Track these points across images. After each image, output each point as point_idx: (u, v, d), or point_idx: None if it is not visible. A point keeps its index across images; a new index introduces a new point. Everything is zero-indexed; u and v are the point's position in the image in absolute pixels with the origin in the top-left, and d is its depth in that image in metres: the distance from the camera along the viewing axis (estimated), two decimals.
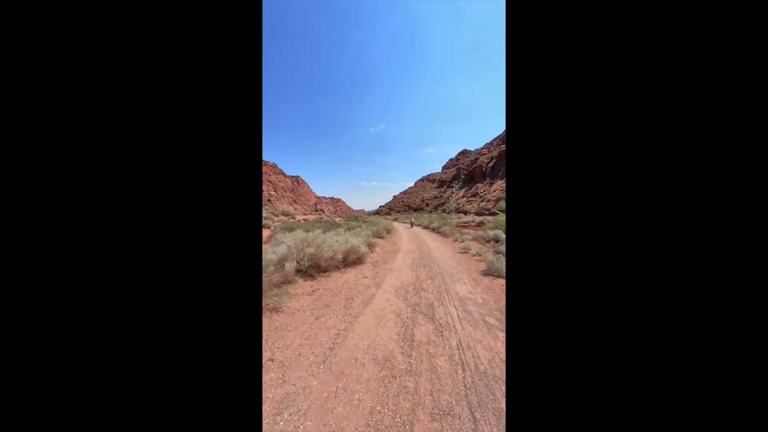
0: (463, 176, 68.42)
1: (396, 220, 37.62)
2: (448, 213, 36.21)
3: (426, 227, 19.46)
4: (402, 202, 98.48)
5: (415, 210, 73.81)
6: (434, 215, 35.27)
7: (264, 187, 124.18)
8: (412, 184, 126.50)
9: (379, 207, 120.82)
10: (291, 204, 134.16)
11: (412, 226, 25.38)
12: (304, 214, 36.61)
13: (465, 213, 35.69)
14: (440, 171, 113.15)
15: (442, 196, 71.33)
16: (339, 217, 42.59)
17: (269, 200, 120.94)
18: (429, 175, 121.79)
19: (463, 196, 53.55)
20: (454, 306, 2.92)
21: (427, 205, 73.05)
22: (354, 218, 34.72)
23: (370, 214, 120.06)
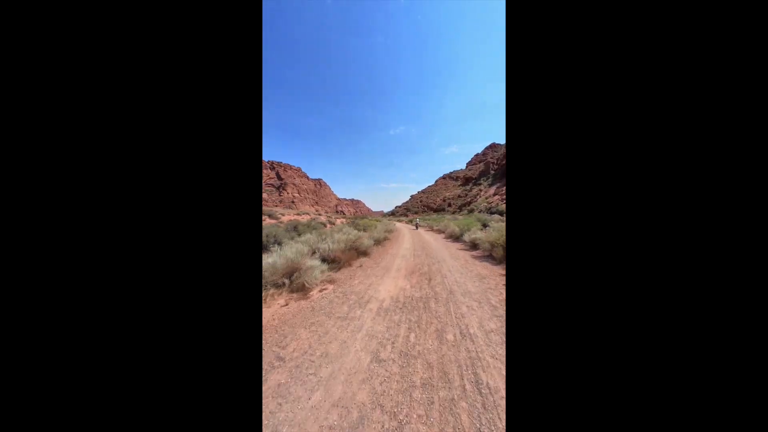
0: (493, 171, 57.18)
1: (411, 221, 29.50)
2: (480, 213, 26.94)
3: (454, 238, 9.91)
4: (420, 201, 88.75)
5: (435, 211, 64.11)
6: (460, 216, 26.44)
7: (288, 190, 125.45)
8: (432, 184, 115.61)
9: (395, 207, 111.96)
10: (312, 205, 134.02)
11: (417, 227, 19.27)
12: (298, 214, 30.50)
13: (501, 214, 26.25)
14: (464, 168, 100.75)
15: (467, 194, 60.67)
16: (343, 218, 35.81)
17: (293, 201, 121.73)
18: (452, 173, 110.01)
19: (495, 194, 42.87)
20: None
21: (450, 205, 62.93)
22: (356, 219, 27.88)
23: (386, 215, 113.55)
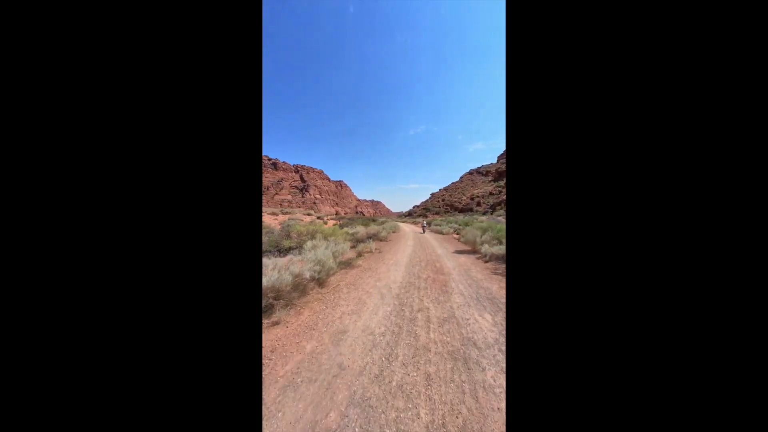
0: None
1: (431, 223, 19.94)
2: None
3: None
4: (442, 200, 76.60)
5: (460, 211, 52.47)
6: (502, 219, 16.15)
7: (311, 192, 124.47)
8: (456, 180, 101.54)
9: (413, 207, 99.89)
10: (333, 206, 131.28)
11: (424, 230, 13.02)
12: (273, 213, 23.24)
13: None
14: (495, 162, 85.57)
15: (501, 191, 47.98)
16: (335, 218, 27.71)
17: (315, 203, 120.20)
18: (480, 168, 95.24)
19: None
20: None
21: (479, 204, 50.77)
22: (350, 221, 19.64)
23: (403, 215, 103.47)
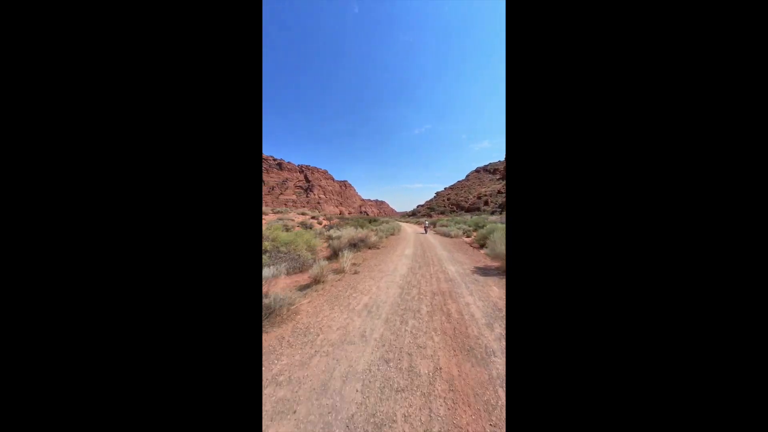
0: None
1: (435, 224, 17.57)
2: None
3: None
4: (447, 199, 73.59)
5: (467, 210, 49.65)
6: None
7: (315, 191, 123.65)
8: (463, 179, 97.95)
9: (417, 207, 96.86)
10: (337, 206, 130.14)
11: (426, 231, 12.42)
12: (264, 213, 21.37)
13: None
14: (503, 159, 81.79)
15: None
16: (328, 218, 25.67)
17: (319, 202, 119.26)
18: (487, 165, 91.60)
19: None
20: None
21: (487, 203, 47.86)
22: (346, 221, 17.52)
23: (407, 214, 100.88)
